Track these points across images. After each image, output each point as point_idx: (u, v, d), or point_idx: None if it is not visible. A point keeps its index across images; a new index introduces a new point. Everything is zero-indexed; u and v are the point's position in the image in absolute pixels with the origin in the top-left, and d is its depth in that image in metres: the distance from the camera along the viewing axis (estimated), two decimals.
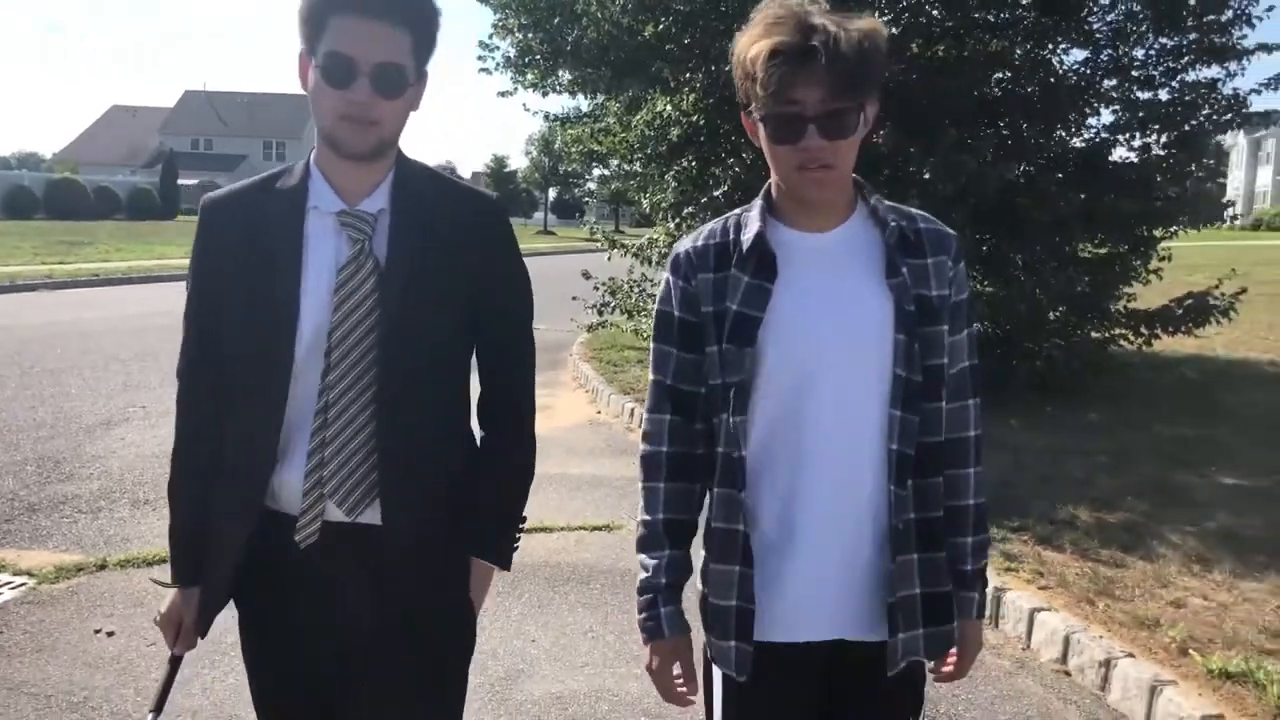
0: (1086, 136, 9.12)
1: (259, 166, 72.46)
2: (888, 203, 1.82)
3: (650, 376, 1.89)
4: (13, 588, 4.61)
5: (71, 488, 6.15)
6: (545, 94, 10.73)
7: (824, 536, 1.74)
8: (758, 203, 1.82)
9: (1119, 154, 9.23)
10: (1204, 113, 8.96)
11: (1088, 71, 9.03)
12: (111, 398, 8.70)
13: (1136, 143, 9.00)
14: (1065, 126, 8.78)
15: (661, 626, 1.83)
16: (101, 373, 9.83)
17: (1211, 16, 8.71)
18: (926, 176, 7.43)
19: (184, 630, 1.98)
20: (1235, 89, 8.87)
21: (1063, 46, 9.07)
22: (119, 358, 10.70)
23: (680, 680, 1.85)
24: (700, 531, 1.87)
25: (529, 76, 10.06)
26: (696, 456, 1.84)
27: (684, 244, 1.86)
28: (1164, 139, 8.85)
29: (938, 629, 1.81)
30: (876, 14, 7.10)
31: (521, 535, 2.00)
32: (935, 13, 8.79)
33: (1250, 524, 5.28)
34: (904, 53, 8.17)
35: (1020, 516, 5.30)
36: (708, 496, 1.86)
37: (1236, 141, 75.20)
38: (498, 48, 10.14)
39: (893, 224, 1.77)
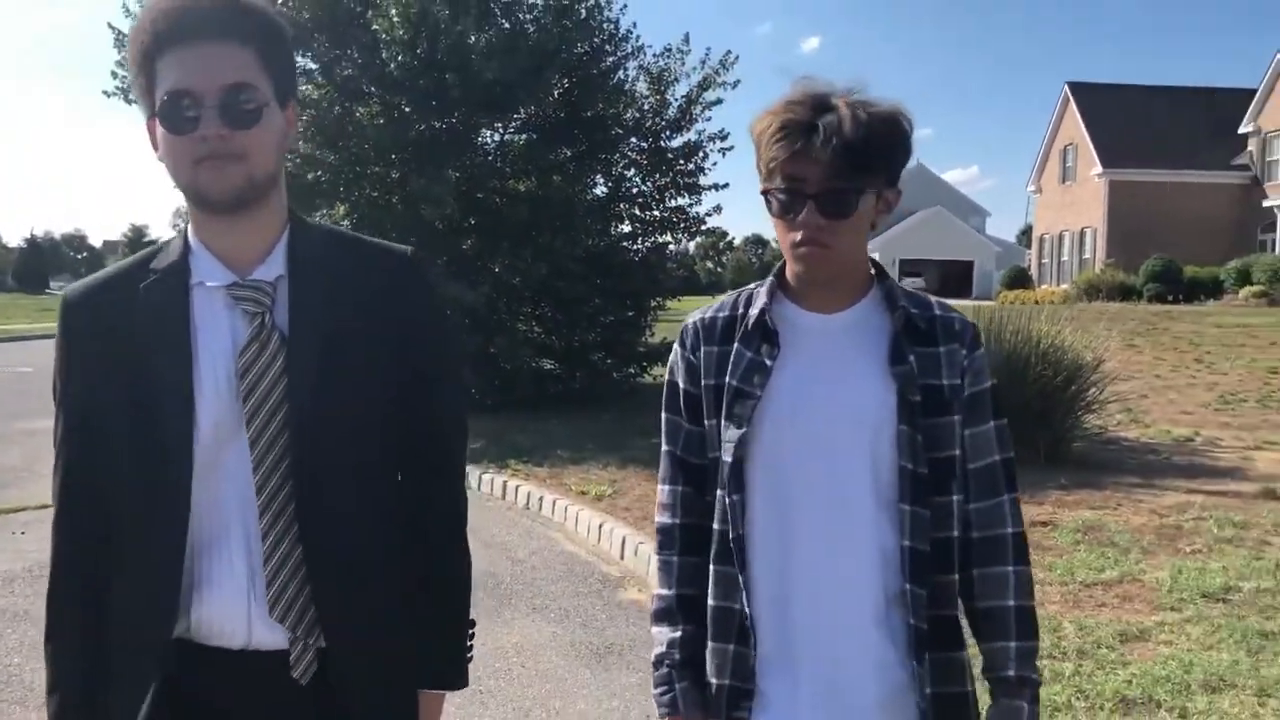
0: (606, 241, 13.98)
1: None
2: (905, 288, 1.78)
3: (663, 447, 1.86)
4: None
5: None
6: None
7: (816, 630, 1.70)
8: (769, 279, 1.79)
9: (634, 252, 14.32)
10: (681, 226, 14.28)
11: (607, 198, 14.06)
12: None
13: (636, 245, 14.19)
14: (589, 235, 13.47)
15: (678, 703, 1.77)
16: None
17: (681, 165, 14.02)
18: (497, 269, 11.93)
19: None
20: (696, 212, 14.28)
21: (595, 180, 13.99)
22: None
23: None
24: None
25: None
26: (710, 529, 1.78)
27: (694, 315, 1.84)
28: (648, 244, 14.14)
29: None
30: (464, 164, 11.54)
31: (473, 643, 1.77)
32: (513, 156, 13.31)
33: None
34: (501, 180, 12.64)
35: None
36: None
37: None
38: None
39: (901, 309, 1.72)
